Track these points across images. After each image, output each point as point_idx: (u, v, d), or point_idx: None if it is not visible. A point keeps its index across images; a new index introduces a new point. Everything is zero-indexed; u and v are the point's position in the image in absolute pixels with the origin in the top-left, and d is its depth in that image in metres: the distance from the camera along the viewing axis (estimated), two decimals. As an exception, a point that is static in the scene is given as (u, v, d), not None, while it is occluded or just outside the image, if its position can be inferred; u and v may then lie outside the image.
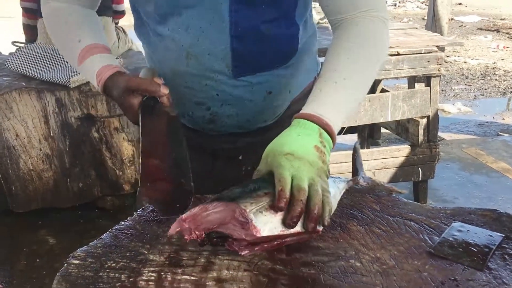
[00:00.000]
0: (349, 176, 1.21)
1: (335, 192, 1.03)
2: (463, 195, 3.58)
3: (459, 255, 0.91)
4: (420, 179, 3.27)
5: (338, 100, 1.03)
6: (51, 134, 2.96)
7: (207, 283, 0.85)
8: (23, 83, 2.92)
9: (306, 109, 1.01)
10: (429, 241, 0.97)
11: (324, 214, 0.91)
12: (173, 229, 0.89)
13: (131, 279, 0.86)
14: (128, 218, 1.07)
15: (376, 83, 3.61)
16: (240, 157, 1.33)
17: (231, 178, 1.13)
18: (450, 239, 0.96)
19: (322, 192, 0.92)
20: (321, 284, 0.85)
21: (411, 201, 1.14)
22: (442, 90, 6.20)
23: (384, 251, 0.94)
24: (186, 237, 0.88)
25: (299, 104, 1.30)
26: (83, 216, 3.18)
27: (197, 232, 0.88)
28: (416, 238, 0.98)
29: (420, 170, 3.24)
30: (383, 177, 3.20)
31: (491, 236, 0.97)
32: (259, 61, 1.17)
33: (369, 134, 3.96)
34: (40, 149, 2.97)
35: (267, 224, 0.89)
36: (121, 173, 3.14)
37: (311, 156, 0.94)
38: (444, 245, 0.94)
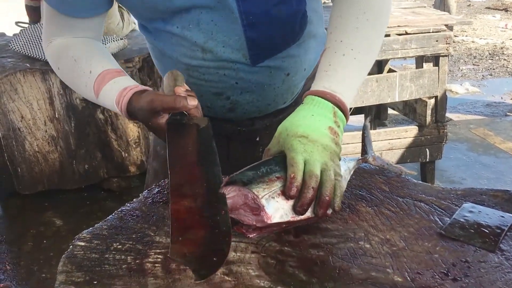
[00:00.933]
0: (355, 157, 1.19)
1: (345, 172, 1.01)
2: (471, 175, 3.55)
3: (471, 237, 0.89)
4: (427, 160, 3.24)
5: (349, 74, 1.00)
6: (56, 116, 2.95)
7: (214, 265, 0.84)
8: (28, 64, 2.91)
9: (318, 86, 0.99)
10: (440, 222, 0.95)
11: (335, 199, 0.90)
12: None
13: (137, 261, 0.85)
14: (134, 199, 1.06)
15: (383, 63, 3.57)
16: (257, 139, 1.30)
17: (248, 160, 1.10)
18: (461, 220, 0.94)
19: (335, 176, 0.90)
20: (330, 266, 0.84)
21: (421, 182, 1.12)
22: (450, 70, 6.13)
23: (394, 233, 0.92)
24: None
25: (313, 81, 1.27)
26: (90, 197, 3.18)
27: None
28: (427, 219, 0.96)
29: (428, 151, 3.20)
30: (390, 158, 3.16)
31: (503, 217, 0.95)
32: (274, 43, 1.14)
33: (376, 115, 3.93)
34: (46, 131, 2.97)
35: (278, 210, 0.87)
36: (126, 154, 3.13)
37: (325, 139, 0.92)
38: (455, 226, 0.92)
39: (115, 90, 1.06)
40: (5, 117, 2.89)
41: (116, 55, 3.03)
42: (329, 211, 0.91)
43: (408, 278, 0.80)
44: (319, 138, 0.91)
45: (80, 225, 2.82)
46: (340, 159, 0.95)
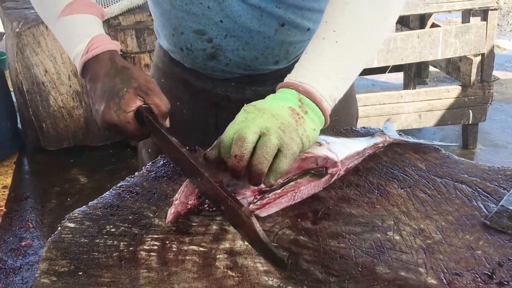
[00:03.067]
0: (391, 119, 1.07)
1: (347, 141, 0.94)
2: (517, 139, 3.36)
3: (521, 229, 0.78)
4: (470, 122, 3.12)
5: (323, 62, 0.85)
6: (81, 71, 2.88)
7: (217, 256, 0.74)
8: (51, 16, 2.81)
9: (286, 79, 0.86)
10: (485, 210, 0.83)
11: (269, 173, 0.77)
12: (170, 213, 0.80)
13: (131, 248, 0.76)
14: (136, 173, 0.96)
15: (426, 17, 3.36)
16: None
17: None
18: (511, 208, 0.82)
19: (281, 145, 0.76)
20: (351, 261, 0.73)
21: (463, 159, 0.97)
22: (498, 25, 5.80)
23: (429, 222, 0.81)
24: (182, 211, 0.82)
25: None
26: (115, 155, 3.16)
27: (190, 202, 0.82)
28: (469, 205, 0.85)
29: (471, 113, 3.07)
30: (429, 120, 3.02)
31: (561, 205, 0.82)
32: None
33: (416, 73, 3.76)
34: (70, 86, 2.91)
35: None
36: (152, 111, 3.05)
37: (278, 111, 0.79)
38: (503, 216, 0.81)
39: (99, 29, 0.98)
40: (29, 71, 2.83)
41: (142, 7, 2.93)
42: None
43: (444, 280, 0.69)
44: (271, 108, 0.79)
45: (104, 183, 2.80)
46: (305, 143, 0.81)
